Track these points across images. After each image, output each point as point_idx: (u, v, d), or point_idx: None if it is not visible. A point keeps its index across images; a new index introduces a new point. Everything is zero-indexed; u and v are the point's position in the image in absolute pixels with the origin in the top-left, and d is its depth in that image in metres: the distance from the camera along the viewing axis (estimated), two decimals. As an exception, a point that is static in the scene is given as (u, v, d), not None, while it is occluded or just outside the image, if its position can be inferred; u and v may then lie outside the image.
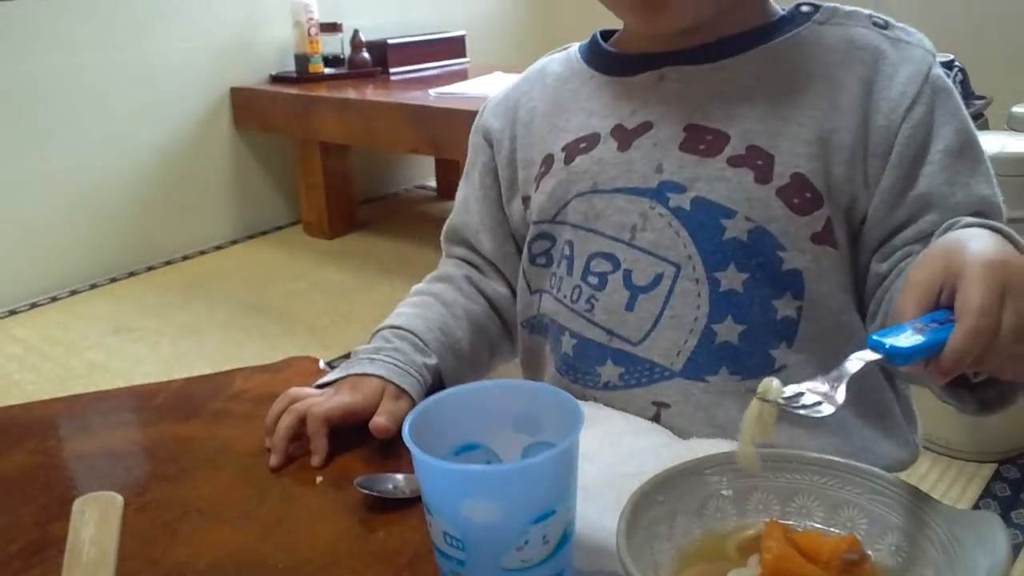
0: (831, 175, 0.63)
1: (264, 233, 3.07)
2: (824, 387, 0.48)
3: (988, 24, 2.87)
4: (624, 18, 0.69)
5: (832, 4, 0.69)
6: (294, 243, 2.98)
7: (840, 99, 0.64)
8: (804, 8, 0.69)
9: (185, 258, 2.86)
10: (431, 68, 3.09)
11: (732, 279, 0.63)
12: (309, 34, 2.89)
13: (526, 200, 0.74)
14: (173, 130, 2.81)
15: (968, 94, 2.12)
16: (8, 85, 2.44)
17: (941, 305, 0.49)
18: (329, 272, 2.71)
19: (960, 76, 2.12)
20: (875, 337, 0.48)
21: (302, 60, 2.92)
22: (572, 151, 0.70)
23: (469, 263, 0.80)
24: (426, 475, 0.47)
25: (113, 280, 2.70)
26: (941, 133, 0.63)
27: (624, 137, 0.68)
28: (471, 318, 0.76)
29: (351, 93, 2.80)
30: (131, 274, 2.74)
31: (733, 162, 0.63)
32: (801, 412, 0.47)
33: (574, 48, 0.77)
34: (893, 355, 0.47)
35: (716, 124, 0.65)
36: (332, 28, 2.98)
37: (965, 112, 0.65)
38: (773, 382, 0.48)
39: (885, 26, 0.68)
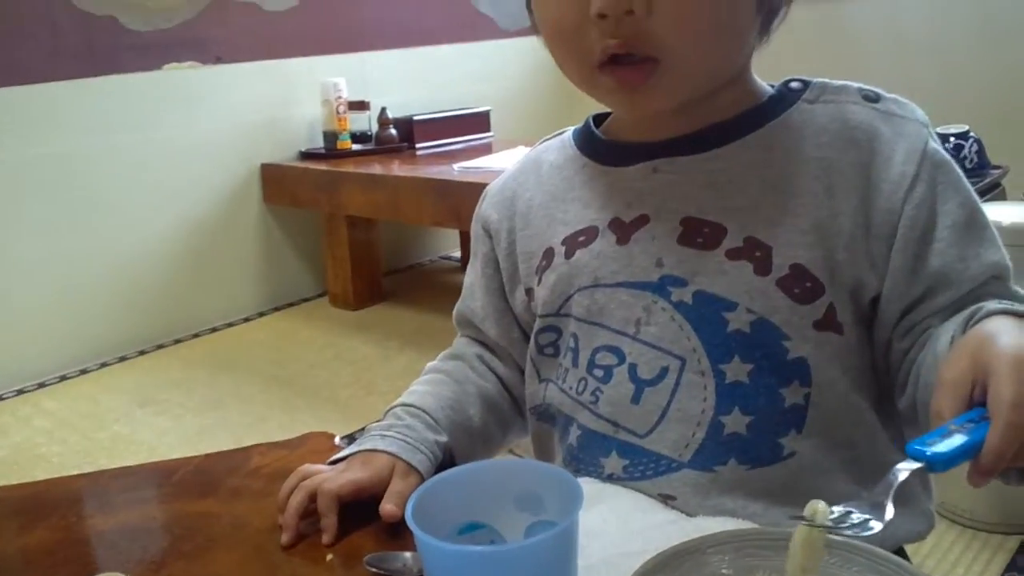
0: (833, 260, 0.63)
1: (290, 305, 3.12)
2: (868, 503, 0.48)
3: (1003, 93, 2.90)
4: (607, 103, 0.70)
5: (821, 80, 0.69)
6: (319, 315, 3.02)
7: (836, 183, 0.63)
8: (793, 84, 0.69)
9: (213, 330, 2.91)
10: (456, 143, 3.16)
11: (737, 370, 0.63)
12: (338, 112, 2.98)
13: (529, 292, 0.74)
14: (204, 205, 2.89)
15: (984, 164, 2.14)
16: (42, 164, 2.53)
17: (975, 402, 0.50)
18: (353, 343, 2.74)
19: (976, 146, 2.14)
20: (915, 446, 0.49)
21: (331, 137, 3.01)
22: (572, 245, 0.70)
23: (480, 342, 0.81)
24: (428, 556, 0.48)
25: (141, 352, 2.74)
26: (945, 209, 0.63)
27: (622, 231, 0.68)
28: (483, 395, 0.77)
29: (377, 168, 2.87)
30: (159, 346, 2.78)
31: (731, 255, 0.63)
32: (849, 533, 0.47)
33: (568, 133, 0.78)
34: (935, 462, 0.48)
35: (712, 216, 0.65)
36: (360, 106, 3.07)
37: (966, 182, 0.65)
38: (819, 505, 0.48)
39: (876, 99, 0.67)
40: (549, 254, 0.72)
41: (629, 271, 0.67)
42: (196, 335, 2.86)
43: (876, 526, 0.47)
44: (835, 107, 0.67)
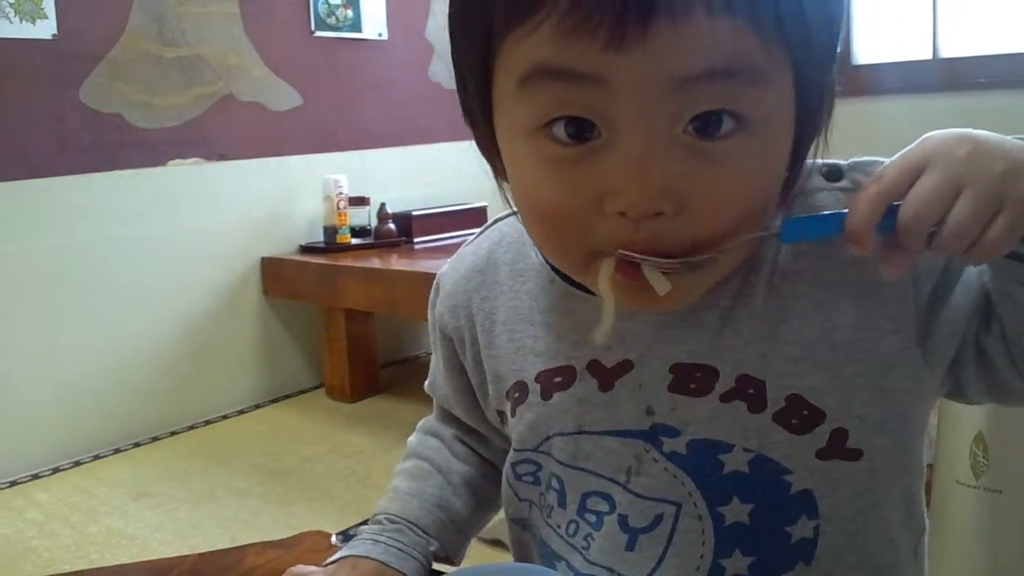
0: (839, 379, 0.57)
1: (287, 397, 3.11)
2: None
3: None
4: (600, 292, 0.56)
5: None
6: (316, 407, 3.02)
7: (823, 295, 0.57)
8: None
9: (208, 423, 2.90)
10: (454, 237, 3.21)
11: (737, 512, 0.58)
12: (338, 207, 3.04)
13: (501, 415, 0.69)
14: (203, 298, 2.92)
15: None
16: (42, 256, 2.57)
17: None
18: (349, 436, 2.73)
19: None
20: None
21: (331, 231, 3.06)
22: (547, 385, 0.63)
23: (455, 421, 0.78)
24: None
25: (136, 445, 2.73)
26: (952, 279, 0.56)
27: (604, 376, 0.61)
28: (469, 484, 0.75)
29: (376, 262, 2.91)
30: (154, 439, 2.77)
31: (725, 398, 0.58)
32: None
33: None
34: (784, 226, 0.50)
35: (702, 359, 0.58)
36: (360, 202, 3.14)
37: None
38: None
39: (839, 175, 0.59)
40: (522, 387, 0.65)
41: (616, 419, 0.61)
42: (192, 427, 2.85)
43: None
44: (802, 202, 0.58)
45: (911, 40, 3.26)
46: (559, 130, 0.50)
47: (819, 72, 0.52)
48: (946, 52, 3.20)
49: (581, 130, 0.49)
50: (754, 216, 0.52)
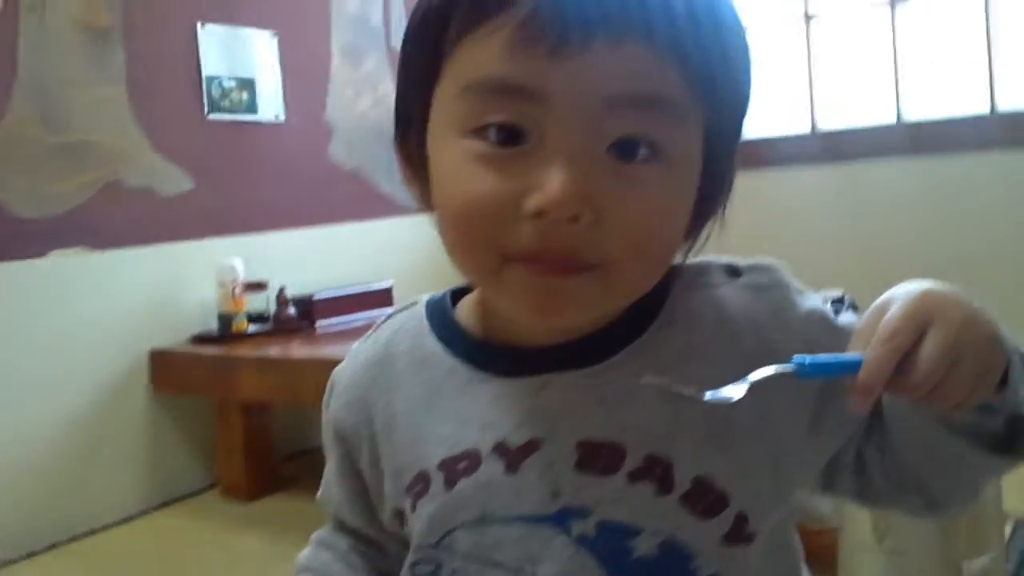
0: (738, 462, 0.59)
1: (179, 500, 2.90)
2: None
3: (872, 256, 3.04)
4: (506, 305, 0.60)
5: (684, 264, 0.64)
6: (210, 509, 2.82)
7: (724, 380, 0.57)
8: None
9: (92, 532, 2.67)
10: (359, 319, 3.11)
11: None
12: (233, 293, 2.91)
13: (400, 515, 0.66)
14: (86, 397, 2.72)
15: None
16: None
17: None
18: (248, 539, 2.54)
19: (852, 309, 2.23)
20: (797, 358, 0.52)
21: (225, 319, 2.92)
22: (451, 472, 0.62)
23: (350, 531, 0.74)
24: None
25: (10, 563, 2.48)
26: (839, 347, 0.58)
27: (510, 457, 0.60)
28: None
29: (275, 350, 2.78)
30: (30, 555, 2.53)
31: (633, 477, 0.58)
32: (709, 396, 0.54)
33: (422, 314, 0.69)
34: (802, 365, 0.51)
35: (608, 436, 0.59)
36: (258, 287, 3.01)
37: (826, 314, 0.62)
38: None
39: (738, 272, 0.63)
40: (424, 479, 0.63)
41: (522, 504, 0.59)
42: (73, 538, 2.62)
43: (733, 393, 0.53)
44: (707, 293, 0.62)
45: (792, 116, 3.46)
46: (493, 133, 0.54)
47: (725, 135, 0.59)
48: (823, 126, 3.43)
49: (513, 135, 0.54)
50: (660, 246, 0.57)
